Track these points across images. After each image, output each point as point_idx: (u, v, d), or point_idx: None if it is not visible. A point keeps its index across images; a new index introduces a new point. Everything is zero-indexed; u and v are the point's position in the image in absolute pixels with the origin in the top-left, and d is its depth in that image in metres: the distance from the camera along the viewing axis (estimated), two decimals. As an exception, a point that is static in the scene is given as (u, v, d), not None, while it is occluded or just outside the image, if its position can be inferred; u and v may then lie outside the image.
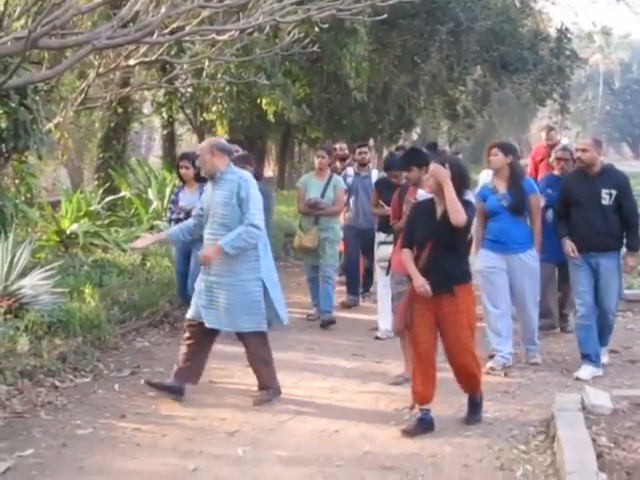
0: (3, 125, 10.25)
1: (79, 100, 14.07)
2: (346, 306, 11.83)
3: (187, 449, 6.31)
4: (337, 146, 13.62)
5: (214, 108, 19.89)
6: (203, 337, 7.59)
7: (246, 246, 7.32)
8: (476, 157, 57.35)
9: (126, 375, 8.23)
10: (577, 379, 8.16)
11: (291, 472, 5.92)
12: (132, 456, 6.16)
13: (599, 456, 5.67)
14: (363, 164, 12.22)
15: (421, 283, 6.63)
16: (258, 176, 9.69)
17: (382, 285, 9.79)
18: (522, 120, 57.93)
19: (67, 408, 7.22)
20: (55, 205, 13.80)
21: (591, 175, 8.45)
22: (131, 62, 13.46)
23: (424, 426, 6.75)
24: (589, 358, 8.41)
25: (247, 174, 7.64)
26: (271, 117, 18.68)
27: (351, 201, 11.98)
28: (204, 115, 20.67)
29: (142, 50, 13.08)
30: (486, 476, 5.84)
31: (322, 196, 11.03)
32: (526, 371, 8.59)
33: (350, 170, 12.42)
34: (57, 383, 7.70)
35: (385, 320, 9.84)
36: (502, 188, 8.80)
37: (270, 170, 33.70)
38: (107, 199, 14.64)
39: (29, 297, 8.42)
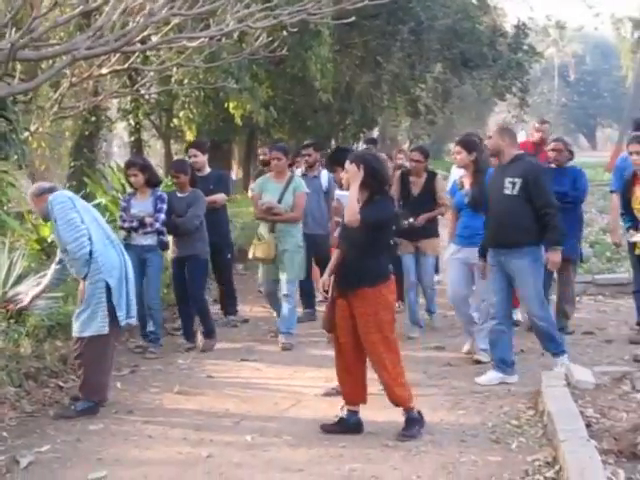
0: (-16, 136, 10.45)
1: (54, 110, 14.28)
2: (300, 321, 10.51)
3: (197, 438, 6.60)
4: (259, 151, 13.32)
5: (181, 114, 20.15)
6: None
7: (78, 268, 7.37)
8: (435, 153, 57.98)
9: (126, 374, 8.51)
10: (476, 383, 7.93)
11: (300, 454, 6.24)
12: (146, 447, 6.45)
13: (588, 425, 6.09)
14: (310, 165, 11.54)
15: (323, 280, 6.74)
16: (192, 183, 9.90)
17: None
18: (480, 115, 58.63)
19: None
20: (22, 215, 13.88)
21: (501, 166, 8.03)
22: (103, 71, 13.64)
23: (344, 427, 6.69)
24: (496, 363, 8.03)
25: (55, 197, 7.40)
26: (238, 120, 18.90)
27: None
28: (173, 120, 20.87)
29: (114, 59, 13.29)
30: (483, 450, 6.19)
31: (280, 201, 9.94)
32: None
33: (297, 171, 11.84)
34: (61, 383, 7.98)
35: None
36: (467, 184, 8.91)
37: (234, 173, 33.95)
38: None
39: (26, 302, 8.66)
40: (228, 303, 11.11)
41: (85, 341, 7.30)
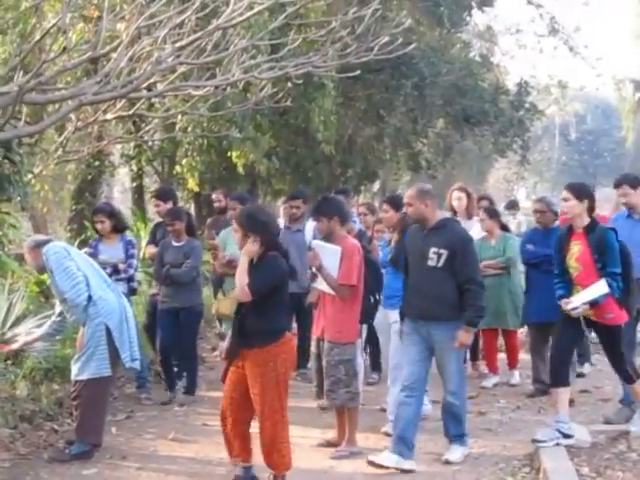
0: (-13, 177, 10.48)
1: (58, 153, 14.36)
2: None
3: (191, 486, 6.60)
4: (213, 196, 12.59)
5: (184, 161, 20.23)
6: None
7: (78, 315, 7.47)
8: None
9: (122, 419, 8.51)
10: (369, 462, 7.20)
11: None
12: (139, 493, 6.45)
13: (583, 484, 6.07)
14: (296, 218, 10.81)
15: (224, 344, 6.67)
16: (191, 231, 9.82)
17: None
18: (480, 171, 58.82)
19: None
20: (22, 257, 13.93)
21: (425, 231, 7.37)
22: (109, 116, 13.72)
23: None
24: (394, 441, 7.30)
25: (48, 248, 7.53)
26: (241, 169, 18.97)
27: None
28: (176, 168, 20.94)
29: (119, 105, 13.38)
30: (478, 505, 6.18)
31: None
32: (505, 410, 8.96)
33: (279, 222, 10.64)
34: (56, 427, 8.00)
35: None
36: (394, 242, 8.68)
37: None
38: (84, 250, 14.84)
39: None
40: None
41: (83, 383, 7.31)
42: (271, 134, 20.11)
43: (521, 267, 10.18)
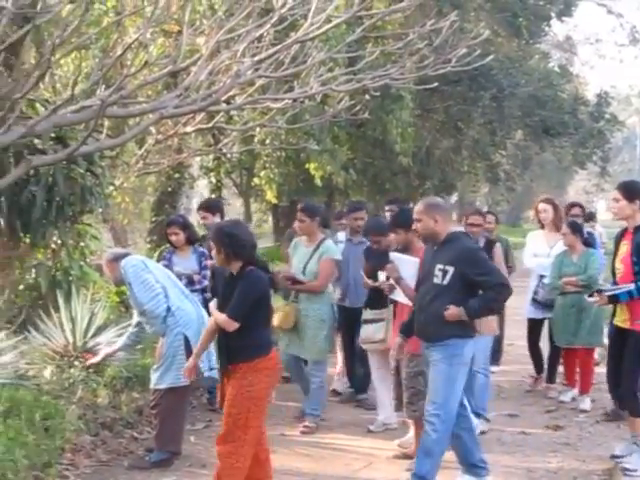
0: (71, 190, 10.68)
1: (139, 165, 14.63)
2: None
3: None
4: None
5: (262, 173, 20.40)
6: None
7: (157, 327, 7.56)
8: (514, 220, 57.82)
9: (200, 428, 8.57)
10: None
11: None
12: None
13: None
14: (357, 230, 10.03)
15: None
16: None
17: (375, 368, 8.81)
18: (560, 183, 58.32)
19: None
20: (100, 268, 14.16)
21: (435, 247, 6.82)
22: (188, 129, 13.93)
23: None
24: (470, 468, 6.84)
25: (127, 261, 7.59)
26: (318, 181, 19.08)
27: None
28: (254, 180, 21.14)
29: (199, 118, 13.57)
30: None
31: (305, 266, 8.89)
32: (584, 425, 8.85)
33: (341, 235, 10.73)
34: (136, 434, 8.09)
35: (383, 409, 8.74)
36: None
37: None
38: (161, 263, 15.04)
39: (106, 353, 8.82)
40: None
41: (162, 392, 7.42)
42: (348, 146, 20.23)
43: (602, 282, 9.84)
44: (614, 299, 7.32)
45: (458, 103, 23.30)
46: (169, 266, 9.26)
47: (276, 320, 8.58)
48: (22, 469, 6.35)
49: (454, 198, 41.69)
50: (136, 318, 7.88)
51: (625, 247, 7.38)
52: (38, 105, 10.01)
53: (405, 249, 7.58)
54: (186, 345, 7.40)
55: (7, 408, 7.04)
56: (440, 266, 6.55)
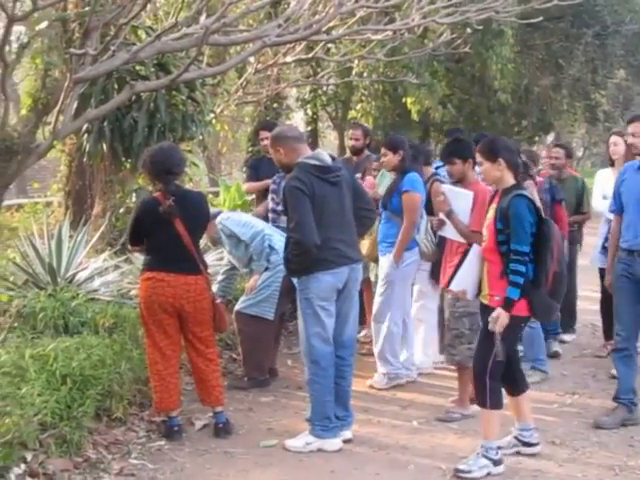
0: (172, 116, 10.83)
1: (238, 94, 14.75)
2: None
3: (364, 418, 6.82)
4: (350, 132, 10.74)
5: (358, 106, 20.36)
6: None
7: (261, 262, 7.70)
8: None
9: (296, 352, 8.54)
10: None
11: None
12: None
13: None
14: None
15: None
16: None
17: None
18: (660, 125, 56.90)
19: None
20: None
21: None
22: (288, 59, 13.95)
23: None
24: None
25: (222, 217, 7.83)
26: (415, 116, 18.98)
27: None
28: (350, 112, 21.11)
29: (298, 48, 13.58)
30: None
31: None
32: None
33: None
34: (234, 355, 8.43)
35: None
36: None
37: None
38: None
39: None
40: None
41: (245, 319, 7.61)
42: (446, 81, 20.07)
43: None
44: None
45: (560, 40, 22.81)
46: (277, 191, 8.94)
47: (362, 246, 8.03)
48: (127, 382, 6.59)
49: (550, 137, 41.03)
50: (225, 269, 8.13)
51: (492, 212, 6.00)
52: (141, 32, 10.15)
53: (459, 182, 7.03)
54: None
55: (112, 324, 7.30)
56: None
